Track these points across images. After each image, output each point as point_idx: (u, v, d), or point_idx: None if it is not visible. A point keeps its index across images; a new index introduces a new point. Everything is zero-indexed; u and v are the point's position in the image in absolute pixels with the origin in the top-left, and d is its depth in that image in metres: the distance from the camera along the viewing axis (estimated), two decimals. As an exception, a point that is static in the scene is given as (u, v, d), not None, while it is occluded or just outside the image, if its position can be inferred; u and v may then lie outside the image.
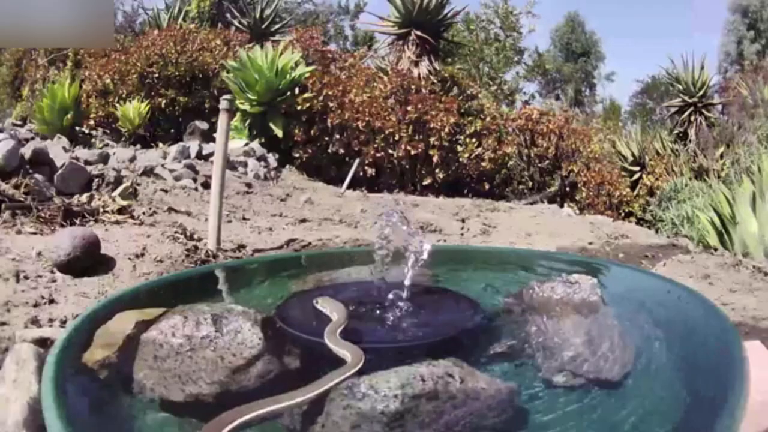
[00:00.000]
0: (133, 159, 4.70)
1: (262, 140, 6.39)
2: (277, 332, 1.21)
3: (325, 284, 1.74)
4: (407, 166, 6.72)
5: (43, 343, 1.44)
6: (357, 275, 1.73)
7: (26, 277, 1.96)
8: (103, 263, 2.17)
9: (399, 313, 1.37)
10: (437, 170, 6.75)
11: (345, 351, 1.07)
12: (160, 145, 6.27)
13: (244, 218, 3.80)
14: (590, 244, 3.55)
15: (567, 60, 19.61)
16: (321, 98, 6.61)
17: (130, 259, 2.24)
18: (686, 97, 10.27)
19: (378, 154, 6.57)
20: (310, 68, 6.78)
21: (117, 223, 2.80)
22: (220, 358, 1.10)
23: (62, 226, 2.53)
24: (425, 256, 1.41)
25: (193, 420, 1.04)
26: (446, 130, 6.66)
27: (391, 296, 1.39)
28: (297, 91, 6.62)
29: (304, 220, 3.83)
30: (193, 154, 5.21)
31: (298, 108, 6.53)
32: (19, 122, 6.42)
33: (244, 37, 8.32)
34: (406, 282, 1.39)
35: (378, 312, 1.38)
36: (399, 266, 1.44)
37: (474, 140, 7.04)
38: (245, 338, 1.14)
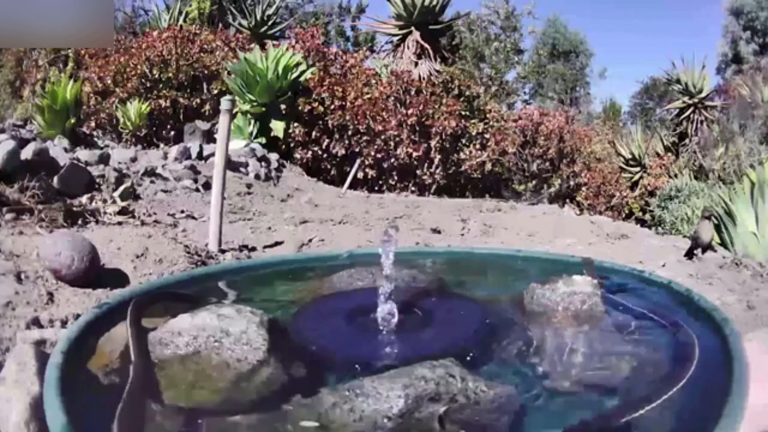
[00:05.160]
0: (134, 160, 4.71)
1: (263, 141, 6.40)
2: (282, 334, 1.22)
3: (333, 292, 1.73)
4: (408, 167, 6.72)
5: (44, 343, 1.45)
6: (359, 276, 1.74)
7: (27, 278, 1.97)
8: (106, 273, 2.16)
9: (406, 321, 1.38)
10: (438, 171, 6.75)
11: None
12: (161, 145, 6.27)
13: (245, 219, 3.80)
14: (590, 244, 3.55)
15: (555, 60, 19.64)
16: (322, 99, 6.62)
17: (131, 260, 2.24)
18: (686, 98, 10.27)
19: (379, 155, 6.58)
20: (311, 69, 6.79)
21: (118, 223, 2.80)
22: (225, 360, 1.10)
23: (63, 227, 2.53)
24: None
25: (197, 423, 1.04)
26: (448, 131, 6.67)
27: (398, 306, 1.39)
28: (298, 92, 6.63)
29: (305, 221, 3.83)
30: (194, 155, 5.22)
31: (299, 109, 6.54)
32: (20, 123, 6.42)
33: (245, 38, 8.32)
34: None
35: (392, 320, 1.39)
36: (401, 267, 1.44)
37: (475, 141, 7.04)
38: (251, 339, 1.13)
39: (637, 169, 9.22)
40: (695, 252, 2.78)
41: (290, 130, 6.53)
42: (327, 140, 6.69)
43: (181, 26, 8.34)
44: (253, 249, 2.96)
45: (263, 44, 7.59)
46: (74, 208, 2.74)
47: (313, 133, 6.65)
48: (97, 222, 2.76)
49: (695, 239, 2.77)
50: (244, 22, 10.63)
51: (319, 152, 6.69)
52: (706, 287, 2.31)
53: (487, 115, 7.57)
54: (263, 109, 6.46)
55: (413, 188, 6.73)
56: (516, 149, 7.41)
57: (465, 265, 2.21)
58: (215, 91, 7.05)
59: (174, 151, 5.16)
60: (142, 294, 1.47)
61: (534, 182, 7.53)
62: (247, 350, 1.11)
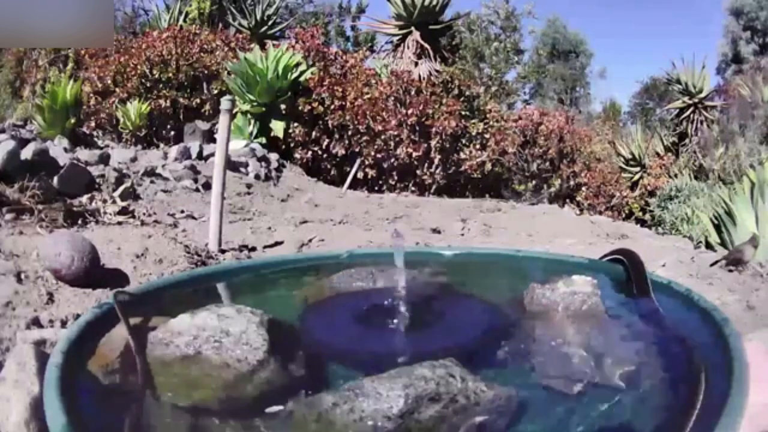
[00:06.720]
0: (134, 160, 4.71)
1: (263, 141, 6.41)
2: (282, 334, 1.22)
3: (339, 294, 1.73)
4: (408, 167, 6.73)
5: (44, 343, 1.45)
6: (358, 276, 1.74)
7: (27, 278, 1.97)
8: (106, 273, 2.16)
9: (417, 321, 1.38)
10: (438, 170, 6.76)
11: None
12: (161, 145, 6.28)
13: (245, 219, 3.81)
14: (590, 244, 3.55)
15: (555, 60, 19.68)
16: (322, 99, 6.62)
17: (131, 260, 2.24)
18: (686, 98, 10.27)
19: (379, 155, 6.58)
20: (311, 69, 6.79)
21: (118, 223, 2.80)
22: (225, 360, 1.10)
23: (63, 227, 2.53)
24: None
25: (198, 424, 1.04)
26: (448, 131, 6.67)
27: (403, 305, 1.40)
28: (298, 92, 6.63)
29: (305, 221, 3.83)
30: (194, 155, 5.22)
31: (299, 109, 6.54)
32: (20, 123, 6.42)
33: (245, 38, 8.32)
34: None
35: (393, 320, 1.39)
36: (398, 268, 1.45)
37: (475, 141, 7.05)
38: (251, 339, 1.13)
39: (637, 169, 9.22)
40: (732, 265, 2.74)
41: (290, 130, 6.53)
42: (327, 140, 6.69)
43: (181, 26, 8.35)
44: (253, 249, 2.96)
45: (263, 44, 7.59)
46: (74, 208, 2.74)
47: (313, 133, 6.65)
48: (97, 222, 2.76)
49: (739, 252, 2.72)
50: (244, 22, 10.63)
51: (319, 152, 6.69)
52: (706, 287, 2.31)
53: (487, 115, 7.57)
54: (263, 109, 6.46)
55: (413, 188, 6.73)
56: (516, 149, 7.41)
57: (465, 265, 2.21)
58: (215, 91, 7.05)
59: (174, 151, 5.16)
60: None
61: (534, 182, 7.53)
62: (247, 350, 1.11)
